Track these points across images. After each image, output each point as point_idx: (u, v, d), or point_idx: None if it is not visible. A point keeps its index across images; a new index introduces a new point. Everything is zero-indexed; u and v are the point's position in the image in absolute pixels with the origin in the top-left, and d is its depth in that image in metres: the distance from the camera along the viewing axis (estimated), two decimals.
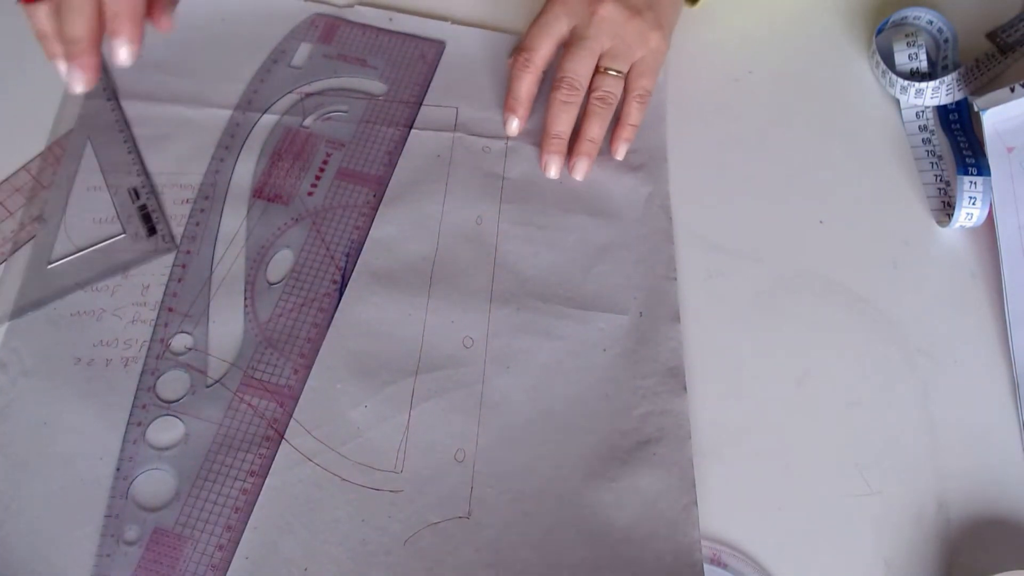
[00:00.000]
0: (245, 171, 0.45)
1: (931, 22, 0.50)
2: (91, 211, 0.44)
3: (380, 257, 0.43)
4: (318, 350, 0.41)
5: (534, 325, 0.42)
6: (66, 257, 0.43)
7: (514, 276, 0.43)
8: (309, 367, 0.40)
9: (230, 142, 0.46)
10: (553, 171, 0.46)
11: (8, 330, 0.41)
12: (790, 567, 0.37)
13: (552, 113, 0.45)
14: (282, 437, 0.39)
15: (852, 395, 0.41)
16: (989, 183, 0.44)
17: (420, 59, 0.49)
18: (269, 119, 0.47)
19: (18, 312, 0.41)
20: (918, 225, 0.46)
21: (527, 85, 0.45)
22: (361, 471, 0.38)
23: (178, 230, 0.44)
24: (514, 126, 0.46)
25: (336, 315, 0.42)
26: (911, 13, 0.50)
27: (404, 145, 0.46)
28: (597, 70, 0.45)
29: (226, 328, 0.41)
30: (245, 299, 0.42)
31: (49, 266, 0.42)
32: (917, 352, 0.42)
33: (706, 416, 0.40)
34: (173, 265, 0.42)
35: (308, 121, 0.47)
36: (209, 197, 0.44)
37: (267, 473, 0.38)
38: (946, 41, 0.50)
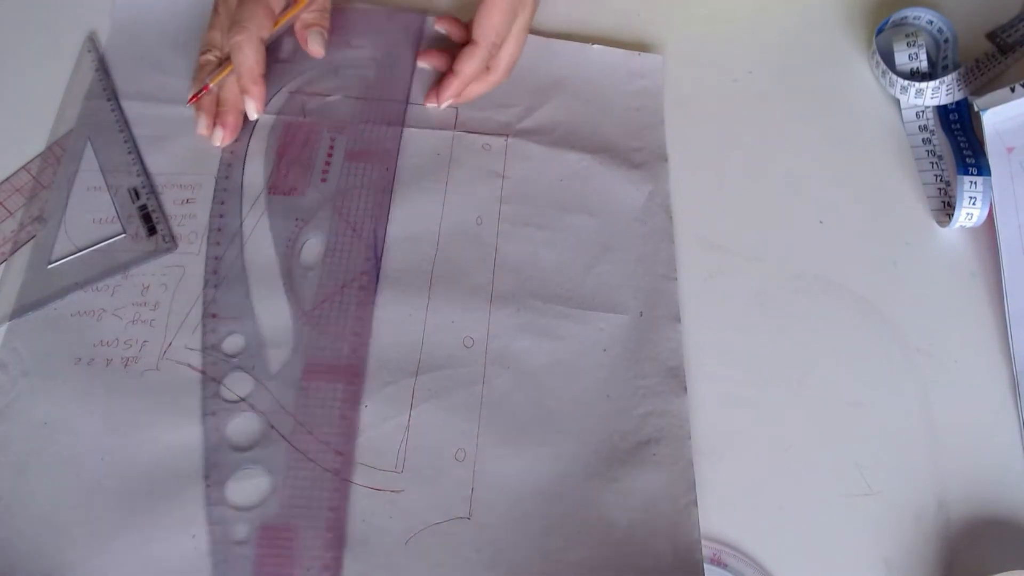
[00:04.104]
0: (255, 171, 0.45)
1: (931, 22, 0.50)
2: (91, 211, 0.44)
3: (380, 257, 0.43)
4: (371, 324, 0.41)
5: (534, 325, 0.42)
6: (66, 257, 0.42)
7: (514, 276, 0.43)
8: (367, 342, 0.40)
9: (233, 145, 0.46)
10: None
11: (8, 330, 0.41)
12: (790, 567, 0.37)
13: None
14: (357, 413, 0.39)
15: (852, 395, 0.41)
16: (989, 183, 0.44)
17: (403, 30, 0.49)
18: (267, 119, 0.47)
19: (18, 312, 0.41)
20: (918, 225, 0.46)
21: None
22: (362, 471, 0.38)
23: (179, 231, 0.43)
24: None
25: None
26: (911, 13, 0.50)
27: (405, 116, 0.47)
28: None
29: (275, 322, 0.41)
30: (286, 291, 0.42)
31: (49, 266, 0.42)
32: (917, 352, 0.42)
33: (706, 416, 0.40)
34: (205, 273, 0.42)
35: (307, 113, 0.47)
36: (225, 202, 0.44)
37: (354, 448, 0.38)
38: (946, 41, 0.50)
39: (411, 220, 0.44)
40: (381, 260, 0.43)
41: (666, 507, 0.38)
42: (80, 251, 0.43)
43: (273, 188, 0.45)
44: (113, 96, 0.47)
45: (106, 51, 0.49)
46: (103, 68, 0.48)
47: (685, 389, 0.40)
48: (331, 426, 0.39)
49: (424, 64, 0.48)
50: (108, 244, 0.43)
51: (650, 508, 0.38)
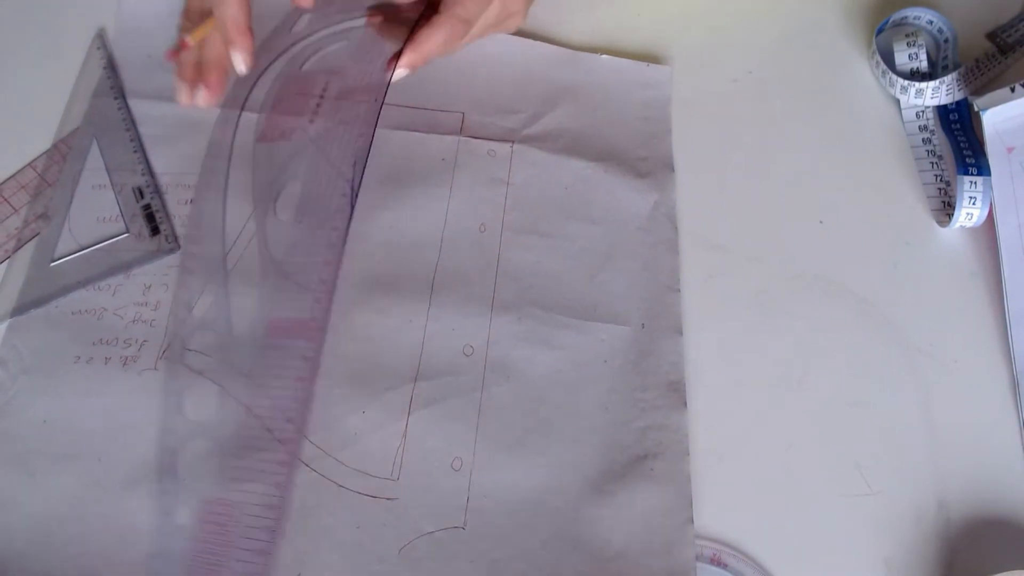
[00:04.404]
0: (248, 126, 0.45)
1: (931, 22, 0.50)
2: (95, 210, 0.44)
3: (382, 262, 0.43)
4: (337, 273, 0.39)
5: (535, 334, 0.41)
6: (69, 255, 0.43)
7: (516, 284, 0.43)
8: (331, 293, 0.39)
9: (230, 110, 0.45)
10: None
11: (9, 327, 0.41)
12: (790, 567, 0.37)
13: None
14: (315, 376, 0.38)
15: (852, 395, 0.41)
16: (989, 183, 0.44)
17: None
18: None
19: (20, 309, 0.41)
20: (918, 225, 0.46)
21: None
22: (357, 477, 0.38)
23: (182, 231, 0.43)
24: None
25: (335, 319, 0.41)
26: (911, 13, 0.50)
27: (401, 51, 0.44)
28: None
29: (244, 277, 0.41)
30: (258, 242, 0.41)
31: (52, 264, 0.42)
32: (917, 352, 0.42)
33: (705, 415, 0.40)
34: (188, 224, 0.41)
35: (307, 65, 0.46)
36: (218, 156, 0.43)
37: (307, 418, 0.37)
38: (946, 41, 0.50)
39: (414, 225, 0.44)
40: (356, 197, 0.40)
41: (662, 523, 0.37)
42: (83, 249, 0.43)
43: (263, 136, 0.44)
44: (120, 94, 0.47)
45: (114, 49, 0.49)
46: (111, 66, 0.48)
47: (685, 404, 0.40)
48: (286, 390, 0.37)
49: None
50: (111, 243, 0.43)
51: (646, 524, 0.37)
